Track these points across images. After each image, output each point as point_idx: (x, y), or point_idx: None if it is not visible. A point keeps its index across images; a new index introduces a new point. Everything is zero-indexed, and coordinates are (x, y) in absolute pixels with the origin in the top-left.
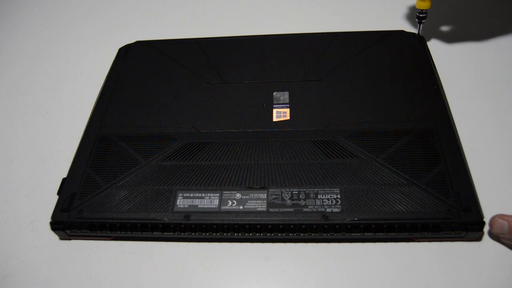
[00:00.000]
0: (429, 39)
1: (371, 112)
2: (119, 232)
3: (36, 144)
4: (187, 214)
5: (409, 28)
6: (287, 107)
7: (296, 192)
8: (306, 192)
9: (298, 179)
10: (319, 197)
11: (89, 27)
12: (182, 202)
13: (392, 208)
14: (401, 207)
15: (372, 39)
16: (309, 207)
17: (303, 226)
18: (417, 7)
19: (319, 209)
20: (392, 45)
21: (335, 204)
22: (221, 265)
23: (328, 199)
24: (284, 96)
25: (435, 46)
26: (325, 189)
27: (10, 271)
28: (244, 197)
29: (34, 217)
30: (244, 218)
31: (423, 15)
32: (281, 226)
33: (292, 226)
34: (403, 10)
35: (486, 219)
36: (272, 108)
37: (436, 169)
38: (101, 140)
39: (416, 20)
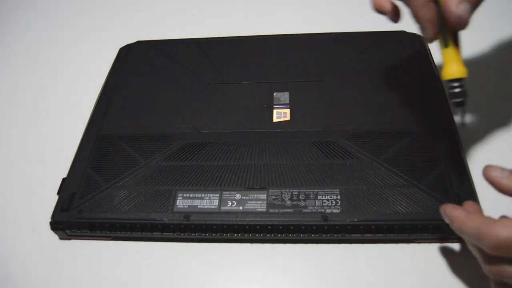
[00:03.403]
0: None
1: (372, 113)
2: (119, 232)
3: (36, 144)
4: (186, 214)
5: (410, 28)
6: (287, 108)
7: (296, 192)
8: (306, 192)
9: (298, 180)
10: (319, 198)
11: (90, 27)
12: (182, 202)
13: (392, 209)
14: (401, 208)
15: (373, 40)
16: (309, 208)
17: (303, 227)
18: (444, 78)
19: (319, 210)
20: (393, 45)
21: (335, 205)
22: (220, 266)
23: (328, 200)
24: (284, 96)
25: (435, 46)
26: (325, 190)
27: (10, 271)
28: (244, 197)
29: (34, 217)
30: (244, 219)
31: (461, 89)
32: (280, 227)
33: (291, 227)
34: (404, 10)
35: None
36: (272, 108)
37: (436, 170)
38: (101, 140)
39: (449, 98)
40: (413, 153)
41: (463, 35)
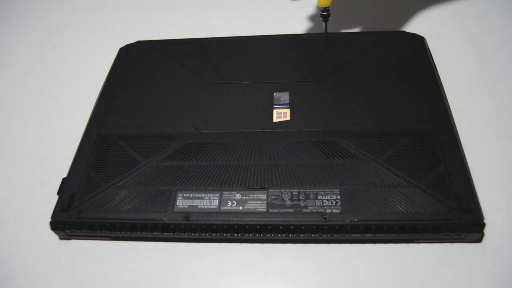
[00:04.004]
0: (429, 39)
1: (372, 113)
2: (119, 232)
3: (36, 144)
4: (186, 214)
5: (409, 28)
6: (287, 108)
7: (296, 192)
8: (306, 192)
9: (298, 180)
10: (319, 198)
11: (90, 27)
12: (182, 202)
13: (392, 209)
14: (401, 208)
15: (372, 40)
16: (309, 207)
17: (303, 227)
18: (319, 5)
19: (319, 210)
20: (393, 45)
21: (335, 205)
22: (221, 266)
23: (328, 199)
24: (284, 96)
25: (435, 46)
26: (325, 190)
27: (10, 271)
28: (244, 197)
29: (34, 217)
30: (244, 219)
31: (327, 13)
32: (280, 227)
33: (291, 227)
34: (404, 10)
35: (486, 220)
36: (272, 108)
37: (436, 170)
38: (101, 140)
39: (321, 19)
40: (413, 153)
41: (463, 34)
